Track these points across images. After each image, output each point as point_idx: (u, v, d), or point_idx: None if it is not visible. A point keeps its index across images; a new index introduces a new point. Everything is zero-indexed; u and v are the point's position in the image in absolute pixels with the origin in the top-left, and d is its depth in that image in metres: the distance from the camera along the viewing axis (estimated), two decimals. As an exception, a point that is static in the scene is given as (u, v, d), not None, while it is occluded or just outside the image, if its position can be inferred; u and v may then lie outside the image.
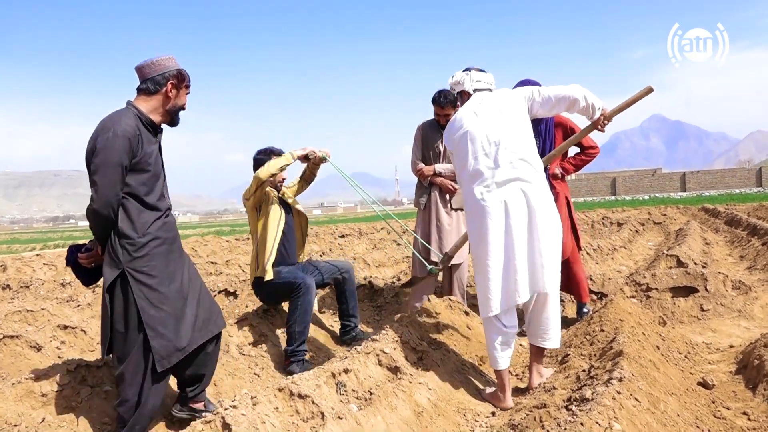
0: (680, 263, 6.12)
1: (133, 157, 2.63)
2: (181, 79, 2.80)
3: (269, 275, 4.05)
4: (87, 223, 2.70)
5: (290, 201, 4.47)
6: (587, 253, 8.31)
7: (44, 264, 11.00)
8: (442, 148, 4.85)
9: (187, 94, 2.87)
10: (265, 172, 3.97)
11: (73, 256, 2.89)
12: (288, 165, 4.09)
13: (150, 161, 2.70)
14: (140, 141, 2.65)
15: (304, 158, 4.21)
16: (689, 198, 30.67)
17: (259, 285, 4.19)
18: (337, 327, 4.77)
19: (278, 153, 4.26)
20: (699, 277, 4.91)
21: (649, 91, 3.37)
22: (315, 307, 4.87)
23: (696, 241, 8.54)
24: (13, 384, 2.95)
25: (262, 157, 4.29)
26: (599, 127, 3.36)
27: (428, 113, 4.93)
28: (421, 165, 4.87)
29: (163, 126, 2.87)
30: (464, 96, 3.42)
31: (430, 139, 4.90)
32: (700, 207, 18.77)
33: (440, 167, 4.83)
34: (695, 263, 6.06)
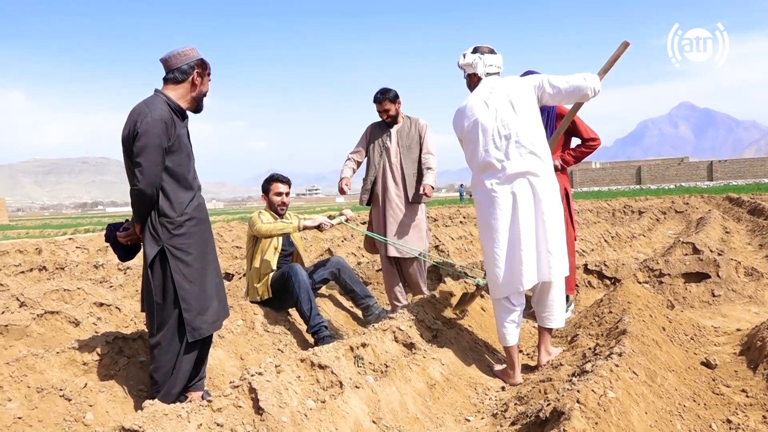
0: (696, 250, 6.19)
1: (169, 140, 2.83)
2: (204, 67, 2.99)
3: (268, 296, 4.36)
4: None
5: (292, 235, 4.56)
6: (605, 240, 8.39)
7: (77, 247, 11.41)
8: (389, 145, 4.95)
9: (209, 81, 3.05)
10: (265, 230, 4.24)
11: (112, 234, 3.12)
12: (288, 234, 4.31)
13: (184, 142, 2.92)
14: (174, 125, 2.86)
15: (317, 227, 4.37)
16: (716, 187, 30.24)
17: (259, 301, 4.45)
18: (358, 311, 4.96)
19: (278, 178, 4.52)
20: (711, 264, 5.00)
21: (626, 45, 3.45)
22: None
23: (715, 230, 8.55)
24: (58, 353, 3.20)
25: (264, 184, 4.58)
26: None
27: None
28: (343, 182, 4.95)
29: (189, 113, 3.06)
30: (474, 79, 3.43)
31: (377, 136, 5.02)
32: (725, 196, 18.56)
33: (428, 180, 4.84)
34: (711, 251, 6.12)
